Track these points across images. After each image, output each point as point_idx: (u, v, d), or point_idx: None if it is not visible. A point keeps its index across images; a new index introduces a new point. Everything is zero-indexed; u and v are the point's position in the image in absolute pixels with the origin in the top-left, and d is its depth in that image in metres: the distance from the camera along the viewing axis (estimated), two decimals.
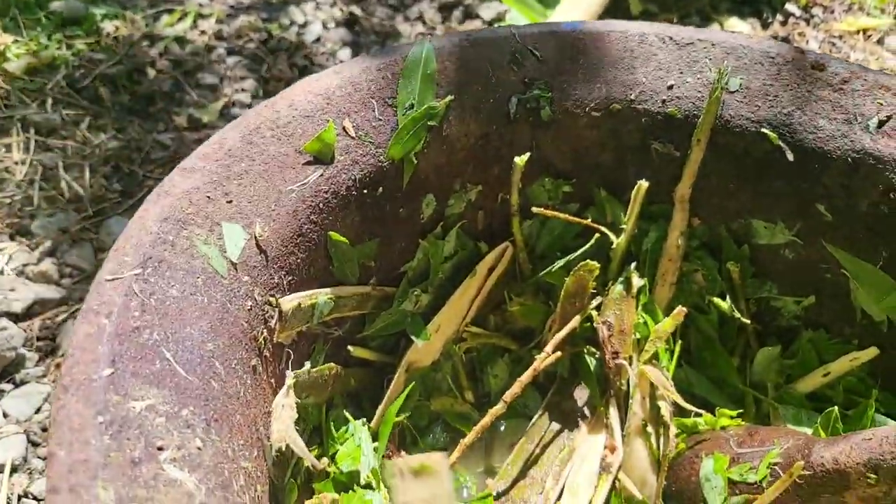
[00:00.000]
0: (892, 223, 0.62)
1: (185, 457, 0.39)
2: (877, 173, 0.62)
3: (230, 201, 0.52)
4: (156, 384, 0.41)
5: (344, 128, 0.61)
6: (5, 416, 0.91)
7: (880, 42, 1.74)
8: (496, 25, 1.61)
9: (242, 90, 1.40)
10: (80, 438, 0.36)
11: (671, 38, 0.69)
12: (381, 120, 0.63)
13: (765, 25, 1.73)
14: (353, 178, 0.61)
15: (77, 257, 1.07)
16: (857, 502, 0.54)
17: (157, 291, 0.45)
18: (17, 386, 0.94)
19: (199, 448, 0.41)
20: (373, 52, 0.65)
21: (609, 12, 1.66)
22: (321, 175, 0.58)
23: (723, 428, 0.68)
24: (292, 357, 0.56)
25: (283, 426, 0.50)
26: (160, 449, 0.39)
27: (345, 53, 1.52)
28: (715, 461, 0.63)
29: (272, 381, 0.54)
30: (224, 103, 1.37)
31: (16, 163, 1.19)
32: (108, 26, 1.48)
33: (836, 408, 0.63)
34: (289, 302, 0.55)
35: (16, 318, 1.00)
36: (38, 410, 0.92)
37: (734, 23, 1.73)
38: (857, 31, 1.76)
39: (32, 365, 0.96)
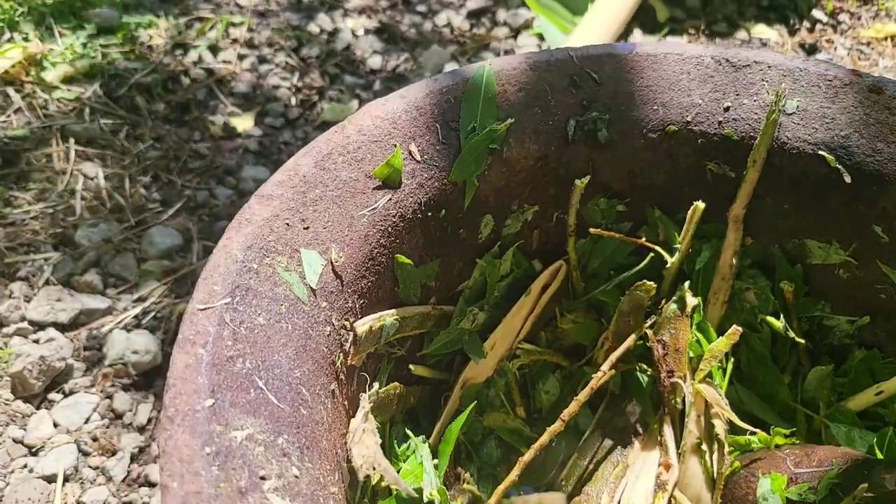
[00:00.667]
0: None
1: (286, 486, 0.41)
2: None
3: (307, 228, 0.53)
4: (252, 413, 0.42)
5: (410, 152, 0.62)
6: (56, 425, 0.93)
7: None
8: (528, 34, 1.61)
9: (276, 98, 1.42)
10: (190, 470, 0.38)
11: (727, 61, 0.69)
12: (444, 143, 0.64)
13: (792, 32, 1.73)
14: (418, 201, 0.61)
15: (120, 267, 1.09)
16: None
17: (246, 320, 0.46)
18: (66, 396, 0.95)
19: (296, 476, 0.42)
20: (436, 76, 0.66)
21: (636, 19, 1.67)
22: (390, 199, 0.59)
23: (777, 446, 0.68)
24: (367, 380, 0.57)
25: (370, 452, 0.51)
26: (263, 478, 0.40)
27: (375, 61, 1.53)
28: (772, 480, 0.64)
29: (346, 403, 0.55)
30: (258, 111, 1.38)
31: (57, 172, 1.21)
32: (143, 35, 1.49)
33: (891, 428, 0.64)
34: (362, 325, 0.56)
35: (62, 328, 1.01)
36: (87, 420, 0.93)
37: (762, 29, 1.73)
38: (886, 38, 1.76)
39: (80, 375, 0.98)
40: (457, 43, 1.61)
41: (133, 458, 0.90)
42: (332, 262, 0.54)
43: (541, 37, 1.62)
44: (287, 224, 0.53)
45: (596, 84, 0.69)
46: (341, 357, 0.54)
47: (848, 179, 0.66)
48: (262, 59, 1.51)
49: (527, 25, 1.65)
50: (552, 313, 0.77)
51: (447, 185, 0.64)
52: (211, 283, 0.47)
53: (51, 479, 0.87)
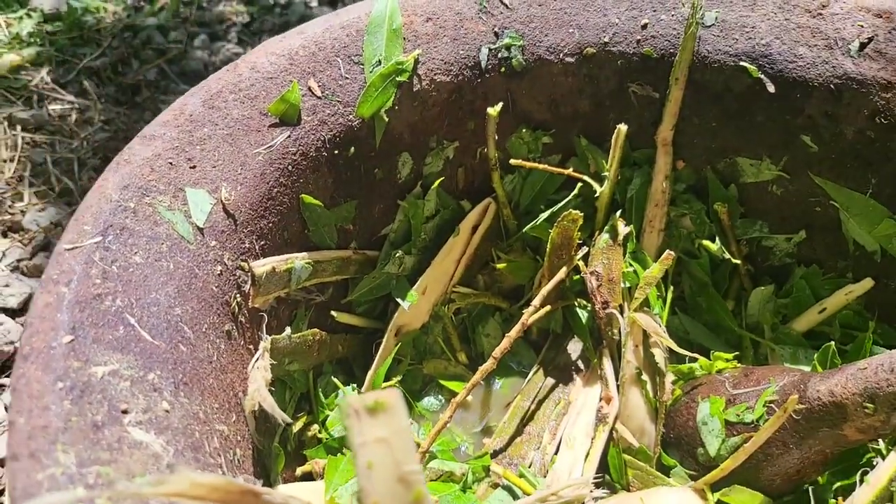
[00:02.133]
0: (879, 149, 0.60)
1: (152, 419, 0.39)
2: (861, 98, 0.60)
3: (194, 167, 0.51)
4: (119, 349, 0.41)
5: (309, 88, 0.59)
6: (7, 409, 0.91)
7: None
8: None
9: None
10: (39, 405, 0.36)
11: None
12: (347, 78, 0.61)
13: None
14: (321, 138, 0.59)
15: None
16: (855, 434, 0.53)
17: (120, 259, 0.45)
18: None
19: (166, 410, 0.40)
20: (338, 10, 0.64)
21: None
22: (288, 137, 0.57)
23: (719, 371, 0.66)
24: (270, 322, 0.55)
25: (255, 387, 0.49)
26: (124, 412, 0.38)
27: None
28: (711, 404, 0.62)
29: (251, 347, 0.54)
30: None
31: (4, 160, 1.19)
32: (90, 19, 1.47)
33: (832, 343, 0.62)
34: (261, 266, 0.54)
35: (12, 313, 1.00)
36: None
37: None
38: None
39: None
40: None
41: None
42: (222, 202, 0.52)
43: None
44: (170, 163, 0.51)
45: (507, 9, 0.66)
46: (238, 298, 0.52)
47: (772, 89, 0.63)
48: (214, 37, 1.49)
49: None
50: (488, 255, 0.75)
51: (354, 122, 0.62)
52: (81, 223, 0.45)
53: (1, 462, 0.86)
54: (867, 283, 0.64)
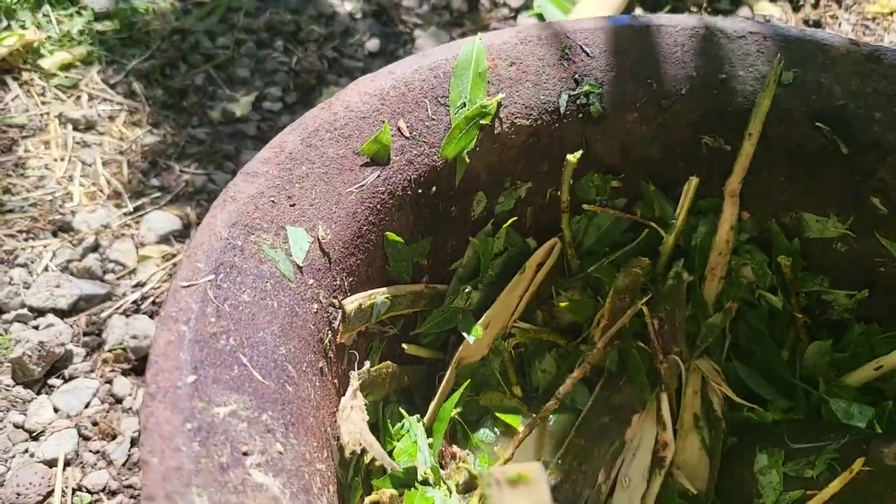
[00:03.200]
0: None
1: (269, 461, 0.40)
2: None
3: (293, 205, 0.53)
4: (236, 390, 0.42)
5: (399, 128, 0.61)
6: (56, 410, 0.93)
7: None
8: (527, 14, 1.60)
9: (274, 83, 1.41)
10: (170, 446, 0.37)
11: (723, 32, 0.68)
12: (434, 119, 0.63)
13: (796, 8, 1.70)
14: (408, 178, 0.61)
15: (119, 252, 1.09)
16: None
17: (231, 297, 0.46)
18: (65, 381, 0.96)
19: (280, 452, 0.41)
20: (425, 51, 0.65)
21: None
22: (378, 176, 0.59)
23: (775, 422, 0.68)
24: (357, 358, 0.57)
25: (357, 429, 0.51)
26: (245, 454, 0.39)
27: (373, 44, 1.52)
28: (769, 456, 0.63)
29: (335, 381, 0.55)
30: (256, 96, 1.37)
31: (55, 159, 1.20)
32: (140, 21, 1.48)
33: (890, 402, 0.63)
34: (351, 303, 0.56)
35: (62, 314, 1.01)
36: (87, 405, 0.94)
37: (765, 6, 1.71)
38: (891, 13, 1.73)
39: (80, 360, 0.98)
40: (456, 24, 1.59)
41: (133, 442, 0.90)
42: (319, 240, 0.53)
43: (540, 17, 1.60)
44: (273, 201, 0.52)
45: (588, 57, 0.68)
46: (330, 335, 0.53)
47: (845, 150, 0.65)
48: (260, 44, 1.50)
49: (526, 6, 1.64)
50: (548, 292, 0.77)
51: (437, 162, 0.63)
52: (194, 260, 0.46)
53: (51, 463, 0.87)
54: None
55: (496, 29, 1.57)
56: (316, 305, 0.52)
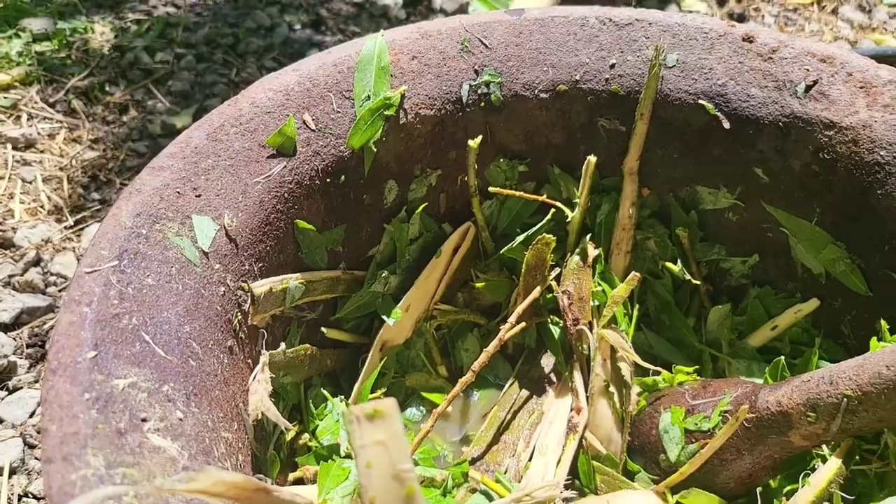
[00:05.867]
0: (823, 181, 0.67)
1: (168, 427, 0.43)
2: (807, 135, 0.66)
3: (199, 195, 0.56)
4: (137, 364, 0.45)
5: (304, 121, 0.64)
6: (1, 421, 0.94)
7: (834, 12, 1.79)
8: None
9: (213, 95, 1.43)
10: (69, 414, 0.40)
11: (611, 20, 0.73)
12: (339, 112, 0.66)
13: (721, 3, 1.77)
14: (315, 168, 0.64)
15: (61, 266, 1.10)
16: (800, 441, 0.59)
17: (134, 281, 0.49)
18: (10, 392, 0.97)
19: (179, 419, 0.44)
20: (329, 49, 0.69)
21: (565, 0, 1.70)
22: (284, 167, 0.62)
23: (680, 384, 0.72)
24: (267, 338, 0.60)
25: (258, 397, 0.54)
26: (144, 420, 0.42)
27: (314, 53, 1.55)
28: (672, 414, 0.67)
29: (249, 361, 0.58)
30: (196, 109, 1.40)
31: None
32: (78, 40, 1.50)
33: (782, 357, 0.68)
34: (260, 287, 0.59)
35: (5, 327, 1.03)
36: (31, 414, 0.95)
37: (691, 2, 1.77)
38: (811, 3, 1.81)
39: (24, 371, 0.99)
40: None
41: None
42: (225, 227, 0.56)
43: None
44: (178, 192, 0.55)
45: (486, 49, 0.72)
46: (239, 316, 0.56)
47: (727, 125, 0.69)
48: (200, 58, 1.53)
49: (462, 10, 1.68)
50: (466, 274, 0.80)
51: (345, 153, 0.66)
52: (99, 248, 0.49)
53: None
54: (814, 303, 0.70)
55: None
56: (223, 288, 0.55)
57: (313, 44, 1.58)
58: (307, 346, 0.66)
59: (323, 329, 0.69)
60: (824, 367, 0.58)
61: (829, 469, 0.57)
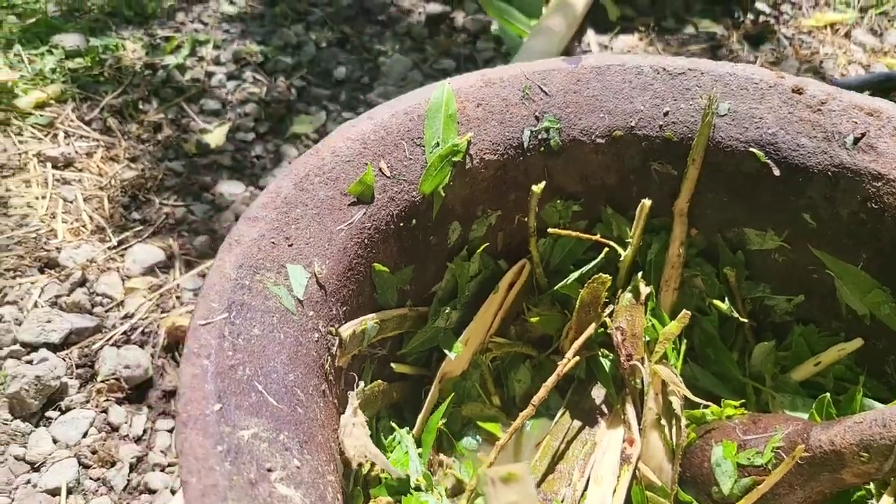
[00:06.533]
0: (871, 229, 0.70)
1: (289, 475, 0.46)
2: (855, 185, 0.70)
3: (291, 245, 0.59)
4: (255, 414, 0.48)
5: (380, 169, 0.67)
6: (55, 441, 0.97)
7: (847, 35, 1.84)
8: (484, 38, 1.67)
9: (245, 114, 1.46)
10: (205, 466, 0.43)
11: (665, 69, 0.76)
12: (411, 159, 0.69)
13: (736, 25, 1.81)
14: (391, 213, 0.67)
15: (106, 286, 1.13)
16: (852, 478, 0.62)
17: (243, 332, 0.52)
18: (62, 412, 1.00)
19: (297, 467, 0.47)
20: (400, 97, 0.72)
21: (588, 19, 1.74)
22: (364, 213, 0.65)
23: (728, 417, 0.75)
24: (354, 379, 0.63)
25: (361, 443, 0.57)
26: (269, 470, 0.45)
27: (340, 72, 1.58)
28: (724, 448, 0.71)
29: (335, 401, 0.61)
30: (229, 128, 1.43)
31: (36, 198, 1.24)
32: (110, 57, 1.52)
33: (828, 394, 0.71)
34: (346, 330, 0.62)
35: (54, 348, 1.05)
36: (85, 434, 0.98)
37: (708, 24, 1.81)
38: (825, 26, 1.85)
39: (75, 392, 1.02)
40: (418, 50, 1.66)
41: (132, 468, 0.94)
42: (315, 275, 0.59)
43: (498, 40, 1.68)
44: (273, 242, 0.58)
45: (546, 96, 0.75)
46: (329, 360, 0.60)
47: (777, 172, 0.73)
48: (230, 76, 1.55)
49: (484, 30, 1.72)
50: (520, 308, 0.84)
51: (416, 197, 0.70)
52: (209, 300, 0.52)
53: (54, 492, 0.91)
54: (857, 343, 0.74)
55: (456, 52, 1.65)
56: (317, 334, 0.58)
57: (339, 62, 1.61)
58: (379, 381, 0.70)
59: (392, 365, 0.72)
60: (876, 409, 0.62)
61: None
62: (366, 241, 0.65)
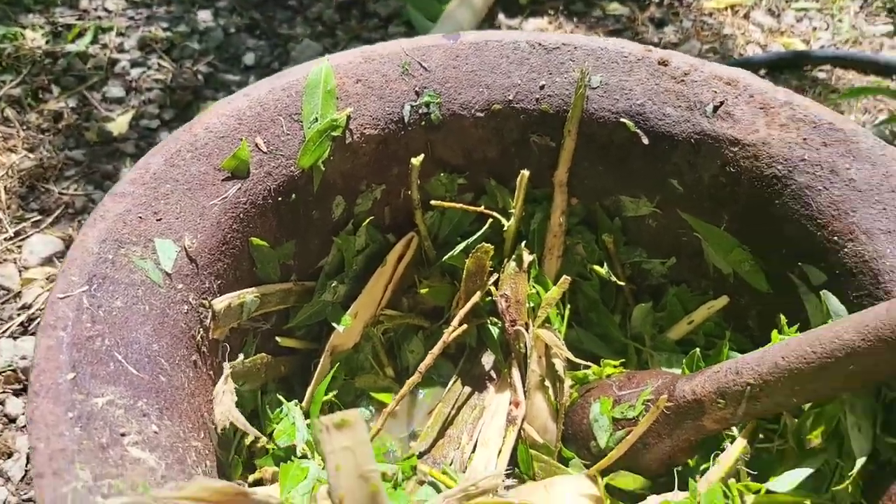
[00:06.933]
0: (729, 192, 0.74)
1: (145, 440, 0.47)
2: (714, 151, 0.74)
3: (160, 219, 0.59)
4: (112, 382, 0.49)
5: (256, 144, 0.68)
6: None
7: (746, 17, 1.90)
8: (396, 24, 1.68)
9: (150, 101, 1.44)
10: (55, 432, 0.44)
11: (540, 44, 0.79)
12: (289, 135, 0.70)
13: (642, 7, 1.86)
14: (268, 188, 0.68)
15: (2, 277, 1.11)
16: (712, 424, 0.66)
17: (104, 304, 0.52)
18: None
19: (155, 432, 0.48)
20: (279, 73, 0.73)
21: (498, 3, 1.76)
22: (239, 188, 0.66)
23: (608, 376, 0.79)
24: (228, 350, 0.64)
25: (226, 408, 0.58)
26: (123, 435, 0.46)
27: (249, 58, 1.57)
28: (601, 404, 0.74)
29: (211, 373, 0.62)
30: (133, 115, 1.40)
31: None
32: (9, 46, 1.48)
33: (697, 349, 0.75)
34: (220, 303, 0.63)
35: None
36: None
37: (615, 6, 1.86)
38: (726, 8, 1.92)
39: None
40: (329, 35, 1.66)
41: (29, 459, 0.93)
42: (185, 249, 0.60)
43: (409, 24, 1.69)
44: (140, 217, 0.59)
45: (426, 72, 0.77)
46: (202, 332, 0.60)
47: (646, 141, 0.76)
48: (135, 63, 1.53)
49: (396, 14, 1.72)
50: (411, 281, 0.86)
51: (295, 172, 0.71)
52: (69, 274, 0.52)
53: None
54: (723, 300, 0.78)
55: (368, 37, 1.65)
56: (186, 307, 0.59)
57: (248, 48, 1.60)
58: (263, 355, 0.71)
59: (277, 338, 0.73)
60: (732, 359, 0.66)
61: (735, 448, 0.65)
62: (241, 215, 0.66)
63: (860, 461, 0.56)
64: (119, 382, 0.49)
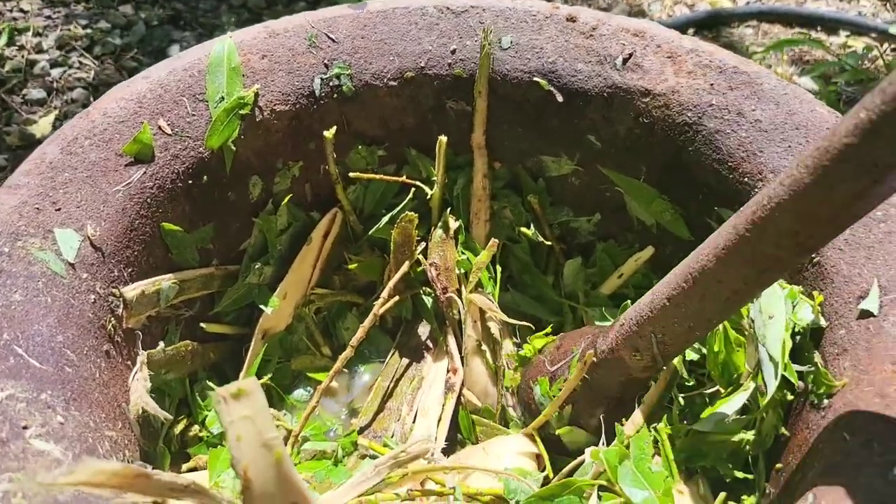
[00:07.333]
0: (645, 143, 0.75)
1: (49, 431, 0.46)
2: (627, 103, 0.74)
3: (59, 209, 0.58)
4: (13, 377, 0.47)
5: (160, 127, 0.66)
6: None
7: None
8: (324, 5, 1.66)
9: (72, 100, 1.40)
10: None
11: (448, 8, 0.78)
12: (195, 115, 0.69)
13: None
14: (176, 171, 0.67)
15: None
16: (641, 374, 0.66)
17: (1, 299, 0.51)
18: None
19: (60, 423, 0.47)
20: (178, 54, 0.71)
21: None
22: (144, 173, 0.64)
23: (539, 351, 0.78)
24: (142, 339, 0.62)
25: (137, 395, 0.56)
26: (25, 428, 0.45)
27: (174, 50, 1.53)
28: (540, 387, 0.73)
29: (129, 362, 0.61)
30: (55, 116, 1.36)
31: None
32: None
33: (628, 301, 0.75)
34: (131, 291, 0.61)
35: None
36: None
37: None
38: None
39: None
40: (256, 22, 1.63)
41: None
42: (89, 238, 0.58)
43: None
44: (37, 209, 0.57)
45: (334, 43, 0.76)
46: (113, 321, 0.59)
47: (560, 99, 0.76)
48: (54, 63, 1.48)
49: None
50: (340, 258, 0.85)
51: (204, 153, 0.69)
52: None
53: None
54: (649, 251, 0.79)
55: None
56: (93, 296, 0.57)
57: (173, 40, 1.56)
58: (188, 342, 0.69)
59: (202, 324, 0.72)
60: (633, 306, 0.64)
61: (654, 392, 0.66)
62: (148, 200, 0.64)
63: (771, 390, 0.57)
64: (20, 376, 0.48)
